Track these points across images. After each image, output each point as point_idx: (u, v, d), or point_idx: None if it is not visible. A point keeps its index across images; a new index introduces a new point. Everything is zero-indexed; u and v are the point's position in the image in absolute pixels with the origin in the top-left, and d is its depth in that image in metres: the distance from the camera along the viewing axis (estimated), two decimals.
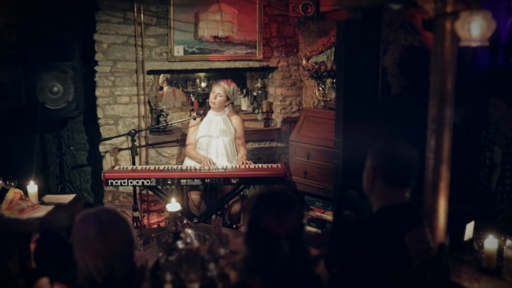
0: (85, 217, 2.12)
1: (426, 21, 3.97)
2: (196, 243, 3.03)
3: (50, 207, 4.26)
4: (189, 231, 3.09)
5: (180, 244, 3.01)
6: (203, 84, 6.95)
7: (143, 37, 5.68)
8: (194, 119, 5.10)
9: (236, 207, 5.09)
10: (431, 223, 2.83)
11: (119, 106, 5.77)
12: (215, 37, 5.79)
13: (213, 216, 4.75)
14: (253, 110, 6.58)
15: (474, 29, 2.85)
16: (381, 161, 2.55)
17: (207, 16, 5.52)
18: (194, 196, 5.08)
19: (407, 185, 2.56)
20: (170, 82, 6.80)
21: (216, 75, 6.77)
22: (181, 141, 5.96)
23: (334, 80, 6.07)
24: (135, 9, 5.58)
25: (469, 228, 3.44)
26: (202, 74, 6.95)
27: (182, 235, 3.11)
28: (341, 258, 2.43)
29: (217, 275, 2.92)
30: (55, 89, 5.43)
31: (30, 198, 4.29)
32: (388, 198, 2.53)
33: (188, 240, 3.03)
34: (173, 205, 3.48)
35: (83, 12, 5.81)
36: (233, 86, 5.18)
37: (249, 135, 6.09)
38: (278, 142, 6.43)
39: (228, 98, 5.15)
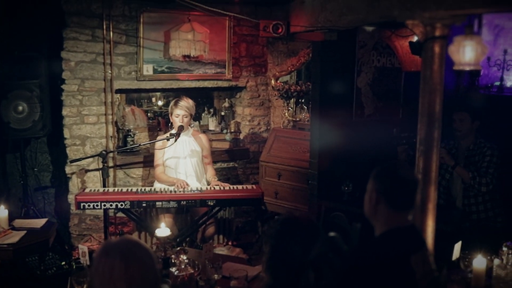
0: (108, 251, 1.91)
1: (413, 44, 4.06)
2: (190, 269, 2.94)
3: (22, 233, 4.10)
4: (183, 257, 2.99)
5: (174, 271, 2.92)
6: (160, 103, 6.78)
7: (112, 55, 5.54)
8: (168, 139, 4.97)
9: (211, 230, 4.97)
10: None
11: (87, 126, 5.59)
12: (185, 56, 5.71)
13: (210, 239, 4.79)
14: (221, 130, 6.51)
15: (468, 53, 2.91)
16: (385, 184, 2.54)
17: (179, 35, 5.44)
18: (167, 218, 4.94)
19: (410, 207, 2.56)
20: (128, 102, 6.60)
21: (174, 93, 6.59)
22: (148, 162, 5.80)
23: (299, 100, 6.09)
24: (104, 27, 5.45)
25: (457, 248, 3.48)
26: (157, 93, 6.78)
27: (175, 261, 3.01)
28: (354, 285, 2.38)
29: None
30: (20, 108, 5.22)
31: (0, 223, 4.10)
32: (392, 221, 2.51)
33: (183, 266, 2.94)
34: (163, 230, 3.37)
35: (50, 29, 5.61)
36: (190, 101, 5.06)
37: (217, 155, 6.03)
38: (247, 163, 6.38)
39: (191, 115, 5.06)
